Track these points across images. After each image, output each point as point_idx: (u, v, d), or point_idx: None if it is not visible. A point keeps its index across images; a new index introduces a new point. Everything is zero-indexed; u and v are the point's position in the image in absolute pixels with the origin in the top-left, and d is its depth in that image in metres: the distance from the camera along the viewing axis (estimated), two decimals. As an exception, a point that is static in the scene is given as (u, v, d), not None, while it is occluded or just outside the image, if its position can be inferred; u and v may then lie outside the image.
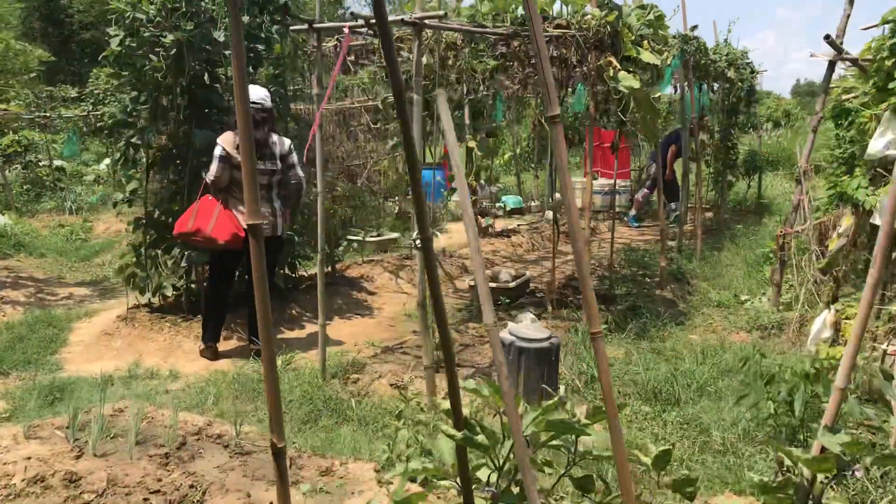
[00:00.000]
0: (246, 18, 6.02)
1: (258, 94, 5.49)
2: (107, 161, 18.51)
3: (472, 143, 7.34)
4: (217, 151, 5.43)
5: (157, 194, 6.54)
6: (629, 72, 5.70)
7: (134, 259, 6.73)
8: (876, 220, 5.37)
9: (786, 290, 6.71)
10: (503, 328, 4.83)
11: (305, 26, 4.73)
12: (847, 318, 5.23)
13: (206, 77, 6.01)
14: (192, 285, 6.58)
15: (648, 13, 5.97)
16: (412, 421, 3.96)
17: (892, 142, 5.11)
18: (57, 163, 16.46)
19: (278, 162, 5.57)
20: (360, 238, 8.80)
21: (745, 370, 4.80)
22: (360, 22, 4.56)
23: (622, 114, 6.09)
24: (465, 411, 2.15)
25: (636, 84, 5.60)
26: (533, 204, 13.62)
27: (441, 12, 4.28)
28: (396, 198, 10.24)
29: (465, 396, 2.35)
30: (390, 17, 4.78)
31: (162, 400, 4.81)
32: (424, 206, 1.98)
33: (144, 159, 6.56)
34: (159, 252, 6.58)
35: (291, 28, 5.42)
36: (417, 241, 4.53)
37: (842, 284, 5.94)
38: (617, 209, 13.65)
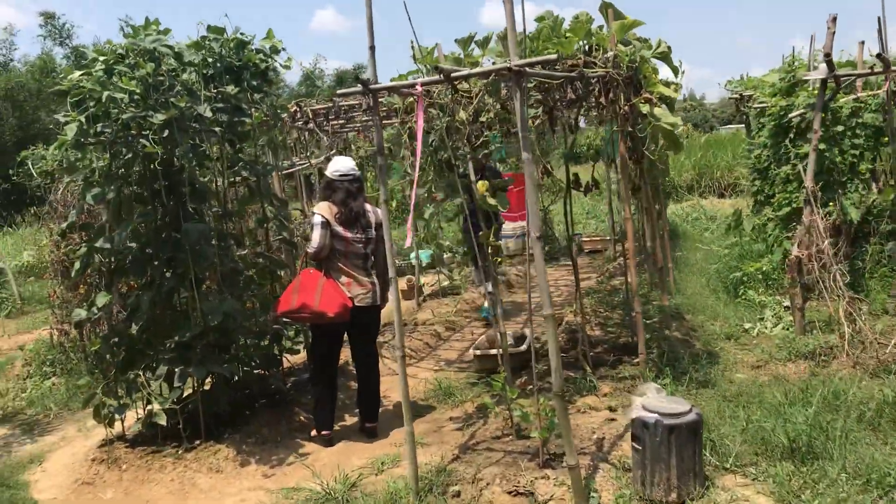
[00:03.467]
0: (232, 89, 5.16)
1: (347, 164, 5.42)
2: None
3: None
4: (316, 220, 5.26)
5: (131, 305, 5.44)
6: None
7: (95, 384, 5.56)
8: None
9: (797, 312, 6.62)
10: (624, 406, 4.29)
11: (359, 88, 4.00)
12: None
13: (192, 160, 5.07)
14: (190, 406, 5.49)
15: (658, 47, 5.70)
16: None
17: None
18: None
19: (372, 231, 5.45)
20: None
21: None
22: (436, 77, 3.92)
23: (636, 149, 5.80)
24: None
25: (678, 120, 5.29)
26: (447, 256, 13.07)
27: (550, 57, 3.73)
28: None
29: None
30: (486, 67, 4.18)
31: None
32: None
33: (107, 266, 5.47)
34: (139, 373, 5.46)
35: (343, 92, 4.65)
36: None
37: None
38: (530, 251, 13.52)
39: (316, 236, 5.22)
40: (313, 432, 5.58)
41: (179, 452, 5.35)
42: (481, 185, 5.19)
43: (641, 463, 4.06)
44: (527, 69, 3.75)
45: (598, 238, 13.52)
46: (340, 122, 7.55)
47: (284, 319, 5.72)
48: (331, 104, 6.97)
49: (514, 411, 4.85)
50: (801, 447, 4.32)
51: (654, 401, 4.18)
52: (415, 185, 3.98)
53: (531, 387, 5.98)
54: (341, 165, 5.37)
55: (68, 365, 8.15)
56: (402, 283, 11.07)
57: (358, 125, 7.82)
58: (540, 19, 5.35)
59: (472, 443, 4.98)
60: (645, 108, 5.31)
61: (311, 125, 7.19)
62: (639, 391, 4.46)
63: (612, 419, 5.11)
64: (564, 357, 6.58)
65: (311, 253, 5.30)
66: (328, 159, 10.34)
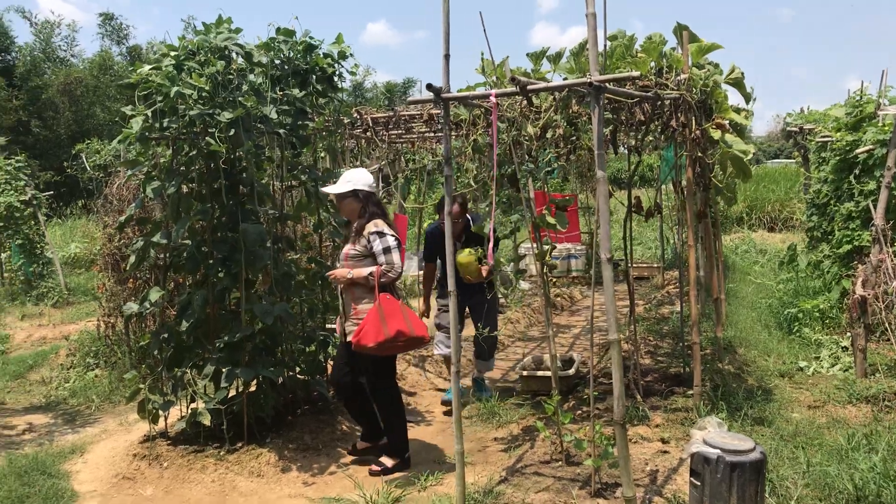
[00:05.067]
0: (298, 92, 5.14)
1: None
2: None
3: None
4: (392, 241, 4.93)
5: (182, 302, 5.42)
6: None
7: (141, 379, 5.55)
8: None
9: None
10: (678, 439, 4.13)
11: (431, 96, 3.93)
12: None
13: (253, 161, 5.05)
14: (234, 407, 5.43)
15: (731, 72, 5.57)
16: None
17: None
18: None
19: None
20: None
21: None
22: (511, 89, 3.84)
23: (704, 175, 5.66)
24: None
25: (750, 148, 5.15)
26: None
27: (633, 74, 3.63)
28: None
29: None
30: (559, 81, 4.09)
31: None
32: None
33: (162, 262, 5.46)
34: (186, 371, 5.43)
35: (413, 101, 4.61)
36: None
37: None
38: (574, 273, 13.38)
39: (396, 258, 4.91)
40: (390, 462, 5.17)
41: (221, 454, 5.29)
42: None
43: (699, 500, 3.89)
44: (607, 84, 3.65)
45: (644, 265, 13.31)
46: (398, 132, 7.51)
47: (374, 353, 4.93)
48: (391, 113, 6.93)
49: (564, 437, 4.72)
50: (869, 496, 4.12)
51: (716, 436, 4.01)
52: (494, 196, 3.88)
53: (579, 412, 5.87)
54: (371, 178, 5.12)
55: (112, 358, 8.18)
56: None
57: (415, 136, 7.77)
58: (612, 38, 5.25)
59: (520, 466, 4.85)
60: (716, 134, 5.17)
61: (368, 133, 7.16)
62: (699, 425, 4.29)
63: (665, 451, 4.94)
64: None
65: (396, 276, 4.95)
66: (380, 169, 10.37)
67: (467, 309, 6.60)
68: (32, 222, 13.97)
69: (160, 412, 5.49)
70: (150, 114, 4.83)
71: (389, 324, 4.72)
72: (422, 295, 6.86)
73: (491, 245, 4.29)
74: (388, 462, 5.10)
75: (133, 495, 5.06)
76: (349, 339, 4.95)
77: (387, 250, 4.88)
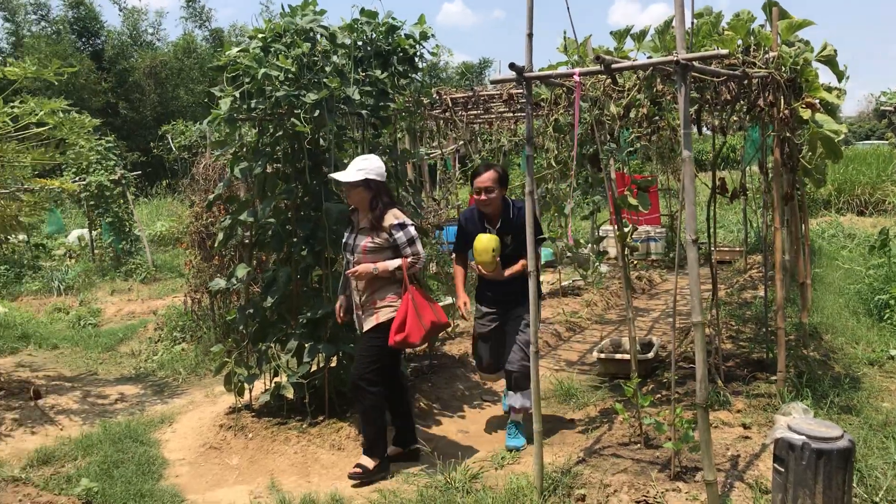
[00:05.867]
0: (380, 73, 5.19)
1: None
2: (77, 233, 17.22)
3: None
4: (413, 231, 4.76)
5: (267, 279, 5.57)
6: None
7: (227, 355, 5.72)
8: None
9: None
10: (760, 424, 4.06)
11: (513, 75, 3.92)
12: None
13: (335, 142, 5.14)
14: (316, 382, 5.57)
15: (823, 49, 5.37)
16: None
17: None
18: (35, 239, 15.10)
19: None
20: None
21: None
22: (595, 67, 3.80)
23: (792, 156, 5.49)
24: None
25: (842, 128, 4.98)
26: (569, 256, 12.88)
27: (721, 52, 3.54)
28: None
29: None
30: (644, 60, 4.04)
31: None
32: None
33: (248, 240, 5.62)
34: (271, 345, 5.59)
35: (496, 80, 4.63)
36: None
37: None
38: (653, 256, 13.18)
39: (420, 248, 4.79)
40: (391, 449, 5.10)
41: (303, 426, 5.44)
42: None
43: (783, 486, 3.82)
44: (694, 63, 3.58)
45: (726, 248, 13.01)
46: (476, 112, 7.51)
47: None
48: (470, 93, 6.94)
49: (644, 419, 4.68)
50: None
51: (801, 422, 3.92)
52: (573, 175, 3.87)
53: (658, 395, 5.81)
54: (382, 166, 4.82)
55: (198, 332, 8.47)
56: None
57: (493, 116, 7.76)
58: (699, 15, 5.13)
59: (598, 447, 4.84)
60: (806, 114, 5.01)
61: (447, 113, 7.18)
62: (783, 410, 4.22)
63: (747, 437, 4.86)
64: (693, 368, 6.33)
65: (422, 265, 4.86)
66: (457, 150, 10.39)
67: (503, 330, 5.34)
68: (121, 201, 14.52)
69: (245, 385, 5.67)
70: (237, 95, 4.96)
71: (424, 316, 4.67)
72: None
73: (569, 228, 4.19)
74: (368, 463, 4.80)
75: (220, 464, 5.25)
76: (366, 329, 4.82)
77: (411, 241, 4.73)
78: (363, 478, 4.72)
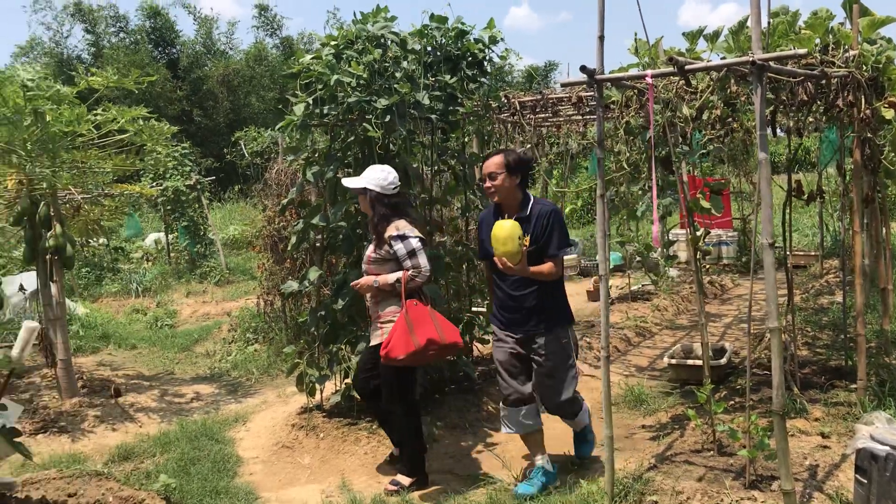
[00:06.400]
0: (449, 78, 5.24)
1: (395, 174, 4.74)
2: (154, 236, 17.76)
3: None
4: (416, 243, 4.57)
5: (338, 281, 5.66)
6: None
7: (299, 356, 5.84)
8: None
9: None
10: (839, 434, 3.94)
11: (584, 78, 3.91)
12: None
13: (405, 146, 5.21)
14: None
15: (905, 46, 5.20)
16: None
17: None
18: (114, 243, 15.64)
19: None
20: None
21: None
22: (668, 69, 3.76)
23: (874, 157, 5.32)
24: None
25: (927, 128, 4.81)
26: (638, 259, 12.73)
27: (800, 51, 3.47)
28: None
29: None
30: (717, 61, 3.99)
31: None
32: None
33: (320, 243, 5.73)
34: (342, 347, 5.68)
35: (566, 83, 4.63)
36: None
37: None
38: (724, 260, 12.92)
39: (423, 261, 4.58)
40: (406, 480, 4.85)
41: (373, 427, 5.50)
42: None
43: (865, 498, 3.71)
44: (770, 63, 3.51)
45: (801, 253, 12.66)
46: (545, 115, 7.50)
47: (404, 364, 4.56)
48: (538, 96, 6.94)
49: (717, 426, 4.60)
50: None
51: (885, 432, 3.80)
52: (654, 178, 3.82)
53: (731, 402, 5.70)
54: (394, 176, 4.69)
55: (270, 334, 8.65)
56: (588, 284, 10.91)
57: (561, 119, 7.74)
58: (775, 14, 5.02)
59: (669, 453, 4.77)
60: (889, 114, 4.86)
61: (515, 117, 7.19)
62: (864, 420, 4.09)
63: (825, 446, 4.72)
64: (768, 375, 6.19)
65: (424, 280, 4.63)
66: (524, 153, 10.37)
67: (529, 354, 4.57)
68: (196, 206, 14.95)
69: (316, 386, 5.78)
70: (310, 101, 5.07)
71: (418, 332, 4.41)
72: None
73: (655, 231, 3.87)
74: (404, 481, 4.73)
75: (292, 463, 5.36)
76: (372, 344, 4.76)
77: (412, 254, 4.54)
78: (398, 494, 4.68)
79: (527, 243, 4.25)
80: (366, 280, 4.68)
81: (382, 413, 5.05)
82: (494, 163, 4.41)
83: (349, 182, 4.73)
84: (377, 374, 4.80)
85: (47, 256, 6.74)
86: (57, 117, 5.93)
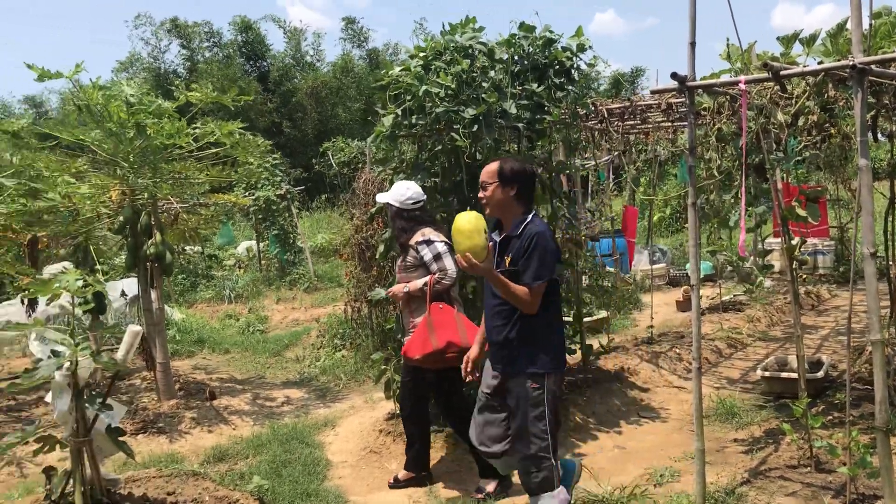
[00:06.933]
0: (536, 86, 5.25)
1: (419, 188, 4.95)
2: (246, 244, 18.29)
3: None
4: (442, 247, 4.72)
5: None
6: None
7: (386, 362, 5.92)
8: None
9: None
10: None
11: (675, 84, 3.85)
12: None
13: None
14: (471, 391, 5.66)
15: None
16: None
17: None
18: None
19: None
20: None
21: None
22: (762, 75, 3.68)
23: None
24: None
25: None
26: (730, 269, 12.40)
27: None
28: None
29: None
30: (814, 65, 3.89)
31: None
32: None
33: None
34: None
35: (656, 90, 4.60)
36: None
37: None
38: (820, 270, 12.47)
39: (450, 264, 4.65)
40: (402, 474, 5.12)
41: (453, 434, 5.52)
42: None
43: (976, 521, 3.53)
44: (871, 67, 3.39)
45: (903, 262, 12.09)
46: (632, 122, 7.41)
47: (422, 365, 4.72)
48: (626, 103, 6.86)
49: (815, 441, 4.45)
50: None
51: None
52: (743, 185, 3.74)
53: (829, 417, 5.50)
54: (413, 192, 4.86)
55: (357, 340, 8.80)
56: (678, 294, 10.69)
57: (649, 126, 7.63)
58: (877, 15, 4.84)
59: (763, 468, 4.64)
60: None
61: (603, 124, 7.13)
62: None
63: (932, 466, 4.50)
64: (869, 390, 5.95)
65: (451, 282, 4.71)
66: (611, 161, 10.28)
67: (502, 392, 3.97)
68: (286, 215, 15.34)
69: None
70: (399, 112, 5.15)
71: (438, 334, 4.52)
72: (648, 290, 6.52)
73: (742, 240, 3.75)
74: (488, 487, 4.76)
75: (379, 468, 5.44)
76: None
77: (437, 257, 4.69)
78: (484, 501, 4.70)
79: (507, 263, 3.79)
80: (397, 288, 4.90)
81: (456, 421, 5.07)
82: (487, 171, 3.89)
83: (379, 197, 5.02)
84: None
85: (148, 263, 7.04)
86: (158, 131, 6.19)
